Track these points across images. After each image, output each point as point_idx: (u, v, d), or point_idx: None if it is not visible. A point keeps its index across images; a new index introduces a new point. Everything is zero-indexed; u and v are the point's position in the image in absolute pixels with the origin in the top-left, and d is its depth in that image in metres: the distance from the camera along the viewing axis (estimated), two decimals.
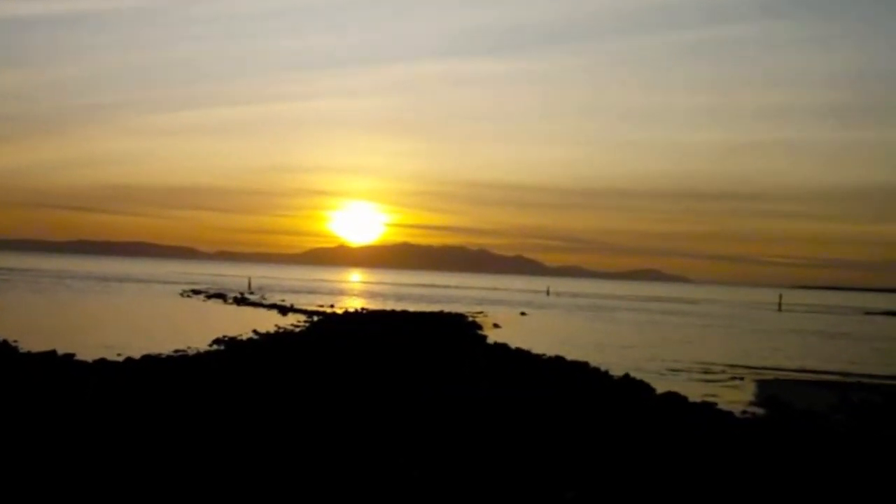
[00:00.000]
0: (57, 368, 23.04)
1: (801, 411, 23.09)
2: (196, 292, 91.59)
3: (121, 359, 26.54)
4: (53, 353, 26.89)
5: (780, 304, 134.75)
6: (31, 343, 30.63)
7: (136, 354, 27.82)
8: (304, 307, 70.16)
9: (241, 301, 76.46)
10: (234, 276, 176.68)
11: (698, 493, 12.03)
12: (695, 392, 26.42)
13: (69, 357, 26.26)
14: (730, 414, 21.40)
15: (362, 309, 72.06)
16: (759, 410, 23.83)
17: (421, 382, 22.34)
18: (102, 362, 25.08)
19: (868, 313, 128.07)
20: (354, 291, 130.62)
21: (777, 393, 27.84)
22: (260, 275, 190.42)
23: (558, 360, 32.42)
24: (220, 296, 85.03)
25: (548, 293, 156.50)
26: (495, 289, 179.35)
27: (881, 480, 13.49)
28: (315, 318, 56.78)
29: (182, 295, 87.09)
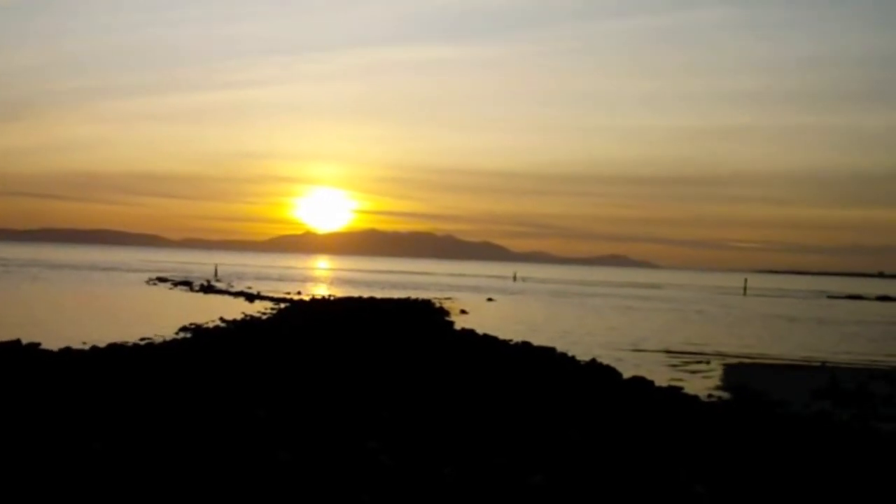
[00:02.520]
0: (21, 358, 22.85)
1: (764, 395, 23.33)
2: (162, 280, 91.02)
3: (86, 347, 26.38)
4: (18, 342, 26.66)
5: (745, 289, 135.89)
6: None
7: (102, 343, 27.64)
8: (271, 294, 69.94)
9: (207, 289, 76.06)
10: (200, 263, 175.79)
11: (663, 476, 12.16)
12: (661, 377, 26.63)
13: (34, 346, 26.05)
14: (695, 398, 21.61)
15: (329, 296, 71.93)
16: (724, 394, 24.06)
17: (388, 369, 22.39)
18: (68, 351, 24.90)
19: (831, 297, 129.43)
20: (321, 278, 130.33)
21: (742, 377, 28.12)
22: (226, 262, 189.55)
23: (525, 346, 32.56)
24: (187, 283, 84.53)
25: (514, 279, 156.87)
26: (462, 275, 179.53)
27: (824, 456, 13.70)
28: (282, 306, 56.64)
29: (148, 283, 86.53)
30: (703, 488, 11.56)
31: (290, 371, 21.11)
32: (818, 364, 33.80)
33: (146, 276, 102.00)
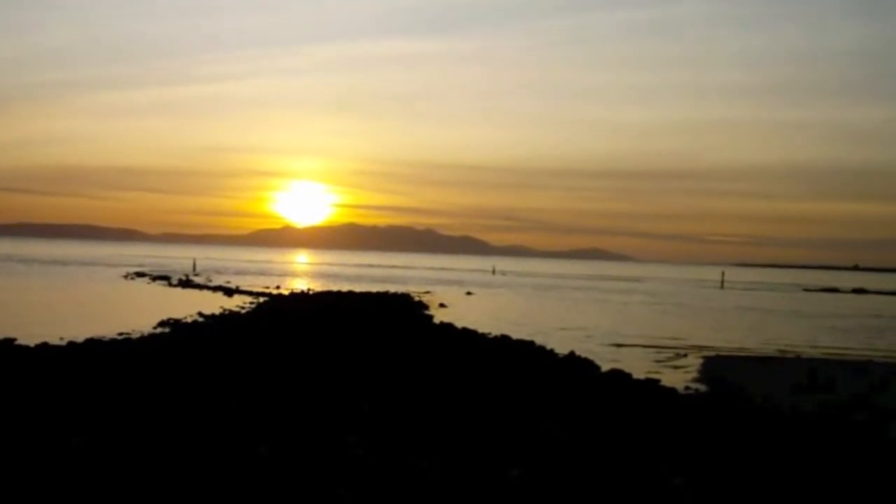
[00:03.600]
0: None
1: (741, 387, 23.48)
2: (140, 275, 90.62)
3: (63, 343, 26.26)
4: None
5: (722, 282, 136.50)
6: None
7: (80, 338, 27.54)
8: (249, 288, 69.78)
9: (185, 283, 75.80)
10: (178, 258, 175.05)
11: (641, 469, 12.24)
12: (639, 369, 26.75)
13: (10, 342, 25.92)
14: (673, 390, 21.72)
15: (308, 290, 71.83)
16: (702, 387, 24.19)
17: (367, 363, 22.42)
18: (45, 346, 24.78)
19: (807, 290, 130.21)
20: (300, 272, 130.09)
21: (719, 369, 28.27)
22: (205, 256, 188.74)
23: (504, 340, 32.63)
24: (165, 278, 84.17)
25: (494, 272, 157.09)
26: (442, 268, 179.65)
27: (797, 448, 13.84)
28: (261, 300, 56.54)
29: (126, 277, 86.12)
30: (682, 480, 11.66)
31: (269, 365, 21.10)
32: (794, 356, 34.04)
33: (124, 270, 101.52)
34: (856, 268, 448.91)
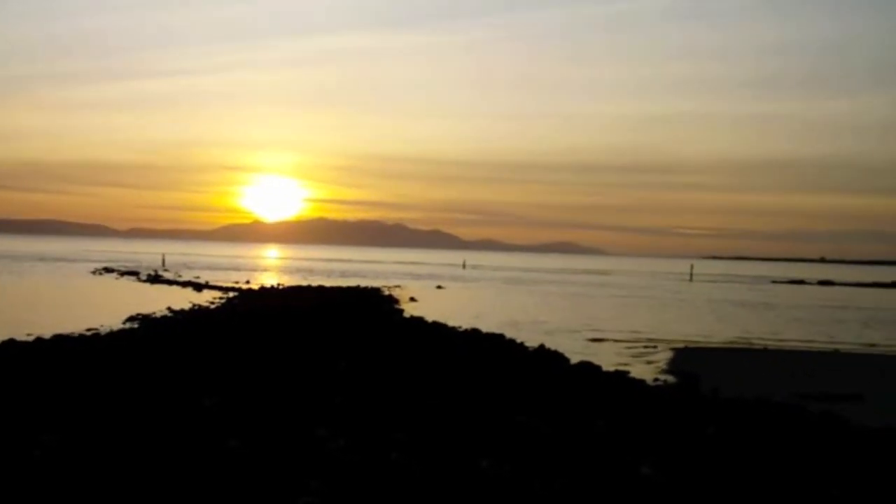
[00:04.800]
0: None
1: (709, 378, 23.70)
2: (108, 270, 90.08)
3: (30, 339, 26.11)
4: None
5: (691, 275, 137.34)
6: None
7: (47, 334, 27.37)
8: (219, 284, 69.55)
9: (154, 279, 75.40)
10: (147, 253, 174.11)
11: (610, 459, 12.36)
12: (608, 361, 26.92)
13: None
14: (641, 382, 21.91)
15: (278, 284, 71.68)
16: (670, 378, 24.39)
17: (338, 355, 22.43)
18: (11, 343, 24.61)
19: (774, 282, 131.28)
20: (270, 267, 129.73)
21: (688, 361, 28.51)
22: (174, 252, 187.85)
23: (474, 333, 32.74)
24: (133, 273, 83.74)
25: (464, 266, 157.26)
26: (412, 263, 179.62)
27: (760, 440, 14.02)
28: (231, 295, 56.38)
29: (94, 273, 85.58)
30: (650, 470, 11.78)
31: (239, 360, 21.07)
32: (762, 348, 34.36)
33: (92, 266, 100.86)
34: (822, 260, 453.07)
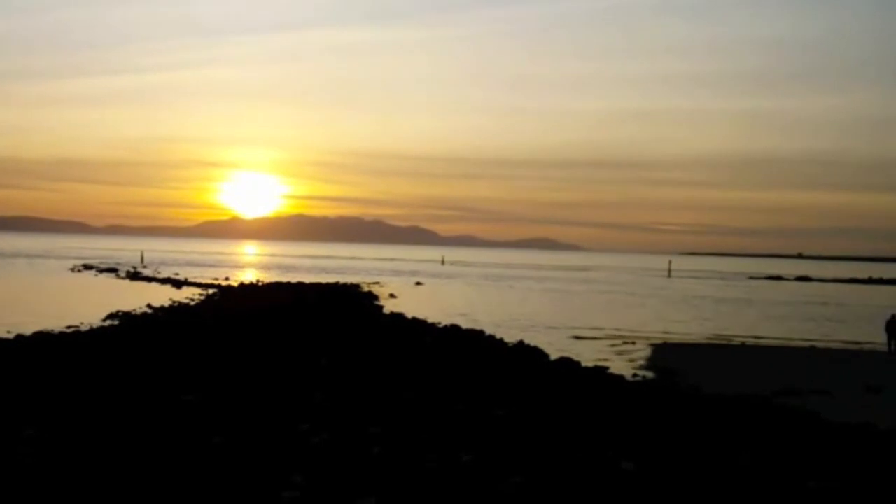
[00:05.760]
0: None
1: (688, 374, 23.93)
2: (87, 267, 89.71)
3: (11, 336, 26.07)
4: None
5: (669, 271, 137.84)
6: None
7: (28, 331, 27.35)
8: (198, 280, 69.43)
9: (134, 276, 75.22)
10: (125, 250, 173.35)
11: (591, 453, 12.52)
12: (588, 357, 27.13)
13: None
14: (621, 377, 22.11)
15: (258, 281, 71.61)
16: (649, 374, 24.59)
17: (318, 351, 22.54)
18: None
19: (752, 278, 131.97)
20: (249, 264, 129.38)
21: (666, 356, 28.75)
22: (152, 249, 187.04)
23: (454, 329, 32.88)
24: (113, 270, 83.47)
25: (443, 263, 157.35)
26: (391, 259, 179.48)
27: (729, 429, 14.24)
28: (210, 292, 56.32)
29: (73, 270, 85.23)
30: (631, 465, 11.94)
31: (221, 356, 21.13)
32: (739, 344, 34.65)
33: (70, 263, 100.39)
34: (800, 256, 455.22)
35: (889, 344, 31.76)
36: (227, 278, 76.19)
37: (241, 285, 64.58)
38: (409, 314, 39.12)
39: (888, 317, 32.85)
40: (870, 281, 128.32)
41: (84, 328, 30.26)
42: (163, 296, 50.88)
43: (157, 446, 11.95)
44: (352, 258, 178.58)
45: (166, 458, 11.37)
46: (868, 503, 10.79)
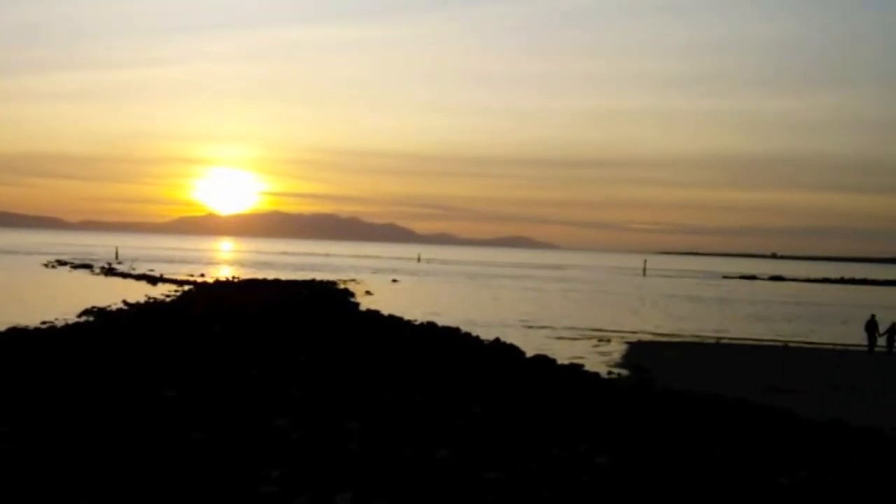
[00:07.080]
0: None
1: (661, 371, 24.14)
2: (61, 263, 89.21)
3: None
4: None
5: (644, 270, 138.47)
6: None
7: (2, 327, 27.23)
8: (174, 277, 69.19)
9: (108, 271, 74.91)
10: (100, 245, 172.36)
11: (566, 448, 12.66)
12: (563, 354, 27.30)
13: None
14: (596, 375, 22.31)
15: (234, 278, 71.48)
16: (624, 371, 24.80)
17: (295, 347, 22.58)
18: None
19: (726, 277, 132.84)
20: (225, 260, 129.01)
21: (641, 354, 28.98)
22: (127, 244, 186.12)
23: (430, 327, 32.97)
24: (87, 266, 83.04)
25: (419, 260, 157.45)
26: (367, 256, 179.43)
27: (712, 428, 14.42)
28: (186, 288, 56.18)
29: (47, 266, 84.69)
30: (605, 459, 12.09)
31: (198, 353, 21.14)
32: (713, 342, 34.96)
33: (44, 258, 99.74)
34: (773, 256, 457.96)
35: (869, 344, 32.25)
36: (202, 275, 76.01)
37: (217, 282, 64.46)
38: (386, 311, 39.19)
39: (868, 317, 33.37)
40: (842, 281, 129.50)
41: (59, 324, 30.15)
42: (138, 292, 50.73)
43: (136, 442, 11.99)
44: (328, 255, 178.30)
45: (146, 454, 11.42)
46: (837, 498, 10.97)
